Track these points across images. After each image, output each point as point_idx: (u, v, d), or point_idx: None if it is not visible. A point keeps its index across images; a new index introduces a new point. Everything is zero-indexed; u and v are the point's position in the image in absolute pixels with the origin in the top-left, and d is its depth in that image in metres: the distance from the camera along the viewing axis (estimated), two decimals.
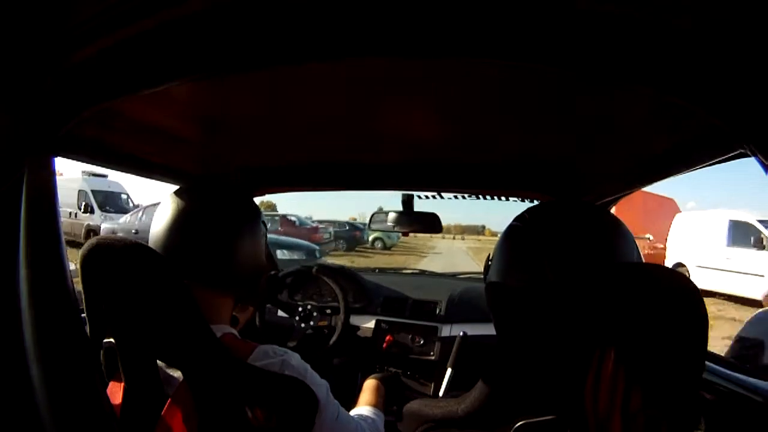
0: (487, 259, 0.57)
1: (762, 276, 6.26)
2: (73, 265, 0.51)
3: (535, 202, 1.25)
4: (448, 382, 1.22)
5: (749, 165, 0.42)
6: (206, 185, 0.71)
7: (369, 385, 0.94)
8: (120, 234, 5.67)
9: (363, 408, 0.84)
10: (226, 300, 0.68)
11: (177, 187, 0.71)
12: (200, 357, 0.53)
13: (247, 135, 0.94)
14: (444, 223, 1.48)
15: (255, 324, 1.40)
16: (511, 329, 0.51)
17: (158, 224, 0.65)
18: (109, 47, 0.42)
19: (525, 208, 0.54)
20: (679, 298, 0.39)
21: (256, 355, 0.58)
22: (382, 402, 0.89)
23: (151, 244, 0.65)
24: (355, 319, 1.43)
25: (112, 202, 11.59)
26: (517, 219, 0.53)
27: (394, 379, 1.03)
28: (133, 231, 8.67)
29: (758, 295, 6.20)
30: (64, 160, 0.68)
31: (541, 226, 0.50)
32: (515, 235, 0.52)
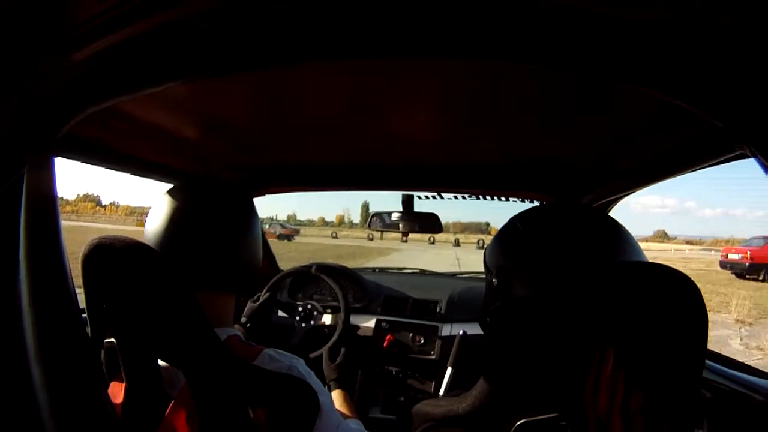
0: (485, 257, 0.57)
1: None
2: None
3: (536, 203, 1.26)
4: (448, 381, 1.22)
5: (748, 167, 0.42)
6: (199, 184, 0.69)
7: (337, 397, 0.97)
8: None
9: (351, 421, 0.80)
10: (227, 298, 0.67)
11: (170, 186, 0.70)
12: (202, 359, 0.53)
13: (247, 135, 0.94)
14: (442, 220, 1.46)
15: (262, 326, 1.40)
16: (517, 337, 0.51)
17: (152, 225, 0.63)
18: (109, 47, 0.42)
19: (526, 207, 0.54)
20: (679, 296, 0.39)
21: (262, 359, 0.57)
22: (354, 408, 0.95)
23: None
24: (355, 319, 1.43)
25: None
26: (520, 221, 0.53)
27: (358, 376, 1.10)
28: None
29: None
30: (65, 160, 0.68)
31: (550, 233, 0.49)
32: (520, 240, 0.51)
